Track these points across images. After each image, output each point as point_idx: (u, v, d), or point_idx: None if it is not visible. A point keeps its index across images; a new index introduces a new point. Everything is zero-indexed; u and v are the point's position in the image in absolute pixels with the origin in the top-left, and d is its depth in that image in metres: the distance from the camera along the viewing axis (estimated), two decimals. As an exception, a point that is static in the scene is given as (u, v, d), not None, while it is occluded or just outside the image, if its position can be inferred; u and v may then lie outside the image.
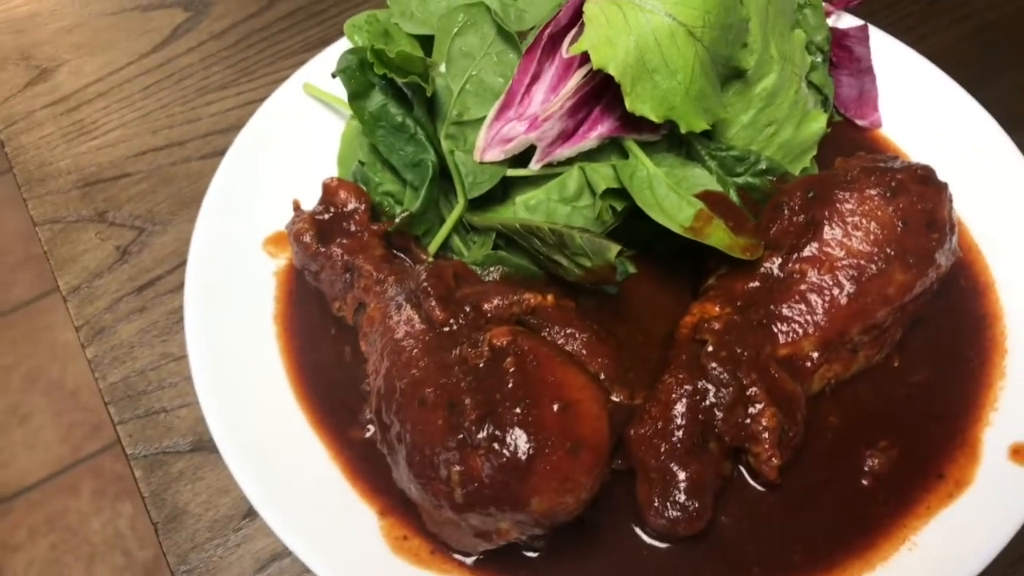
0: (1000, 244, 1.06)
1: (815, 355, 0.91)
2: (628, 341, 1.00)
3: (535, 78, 0.99)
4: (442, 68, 1.04)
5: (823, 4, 1.19)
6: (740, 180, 1.04)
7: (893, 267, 0.92)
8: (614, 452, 0.87)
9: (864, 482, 0.90)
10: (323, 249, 1.00)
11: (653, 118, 0.93)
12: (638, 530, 0.87)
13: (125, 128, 1.33)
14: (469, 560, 0.86)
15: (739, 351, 0.88)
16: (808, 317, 0.91)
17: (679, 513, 0.82)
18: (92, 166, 1.29)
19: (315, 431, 0.94)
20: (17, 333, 2.70)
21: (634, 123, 0.98)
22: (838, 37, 1.22)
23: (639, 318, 1.03)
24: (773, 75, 1.04)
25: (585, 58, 0.94)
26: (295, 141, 1.17)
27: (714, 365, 0.87)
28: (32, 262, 2.79)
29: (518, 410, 0.76)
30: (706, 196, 0.99)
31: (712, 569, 0.85)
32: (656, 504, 0.83)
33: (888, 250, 0.92)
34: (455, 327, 0.86)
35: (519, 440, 0.75)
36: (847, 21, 1.26)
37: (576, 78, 0.96)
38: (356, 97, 1.04)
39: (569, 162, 1.01)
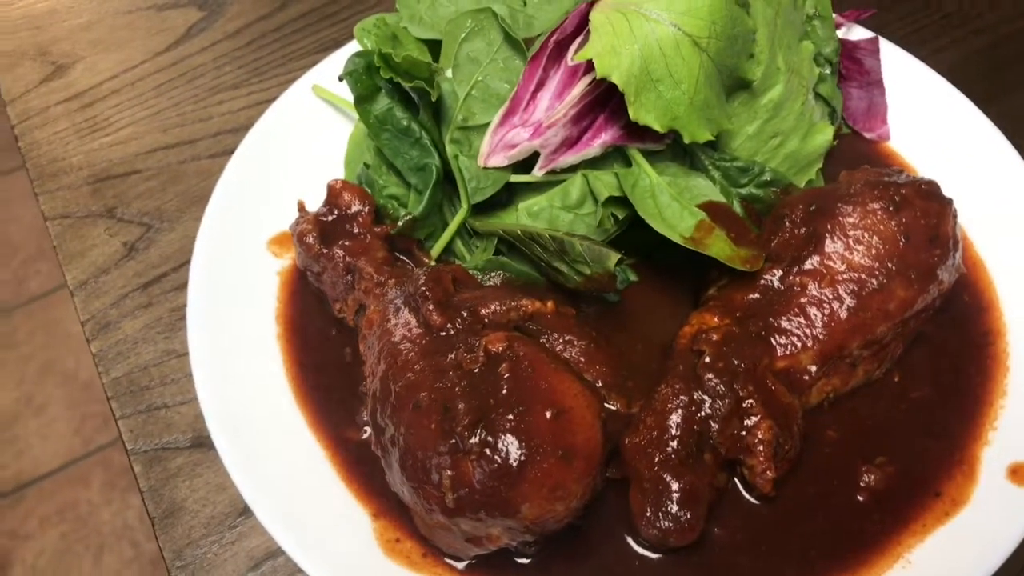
0: (1005, 261, 1.05)
1: (813, 369, 0.91)
2: (627, 349, 1.00)
3: (540, 85, 1.00)
4: (448, 73, 1.04)
5: (833, 16, 1.19)
6: (744, 191, 1.04)
7: (894, 282, 0.91)
8: (609, 460, 0.87)
9: (860, 498, 0.89)
10: (325, 250, 1.01)
11: (657, 128, 0.93)
12: (630, 540, 0.87)
13: (137, 125, 1.35)
14: (460, 564, 0.86)
15: (736, 363, 0.88)
16: (807, 330, 0.91)
17: (671, 524, 0.82)
18: (103, 162, 1.30)
19: (312, 431, 0.95)
20: (34, 324, 2.74)
21: (638, 132, 0.98)
22: (848, 49, 1.22)
23: (639, 326, 1.03)
24: (780, 86, 1.04)
25: (590, 66, 0.94)
26: (303, 142, 1.18)
27: (710, 376, 0.87)
28: (48, 255, 2.82)
29: (511, 416, 0.76)
30: (709, 206, 0.98)
31: (704, 581, 0.85)
32: (648, 514, 0.83)
33: (890, 265, 0.91)
34: (452, 331, 0.86)
35: (511, 446, 0.75)
36: (858, 33, 1.25)
37: (581, 86, 0.97)
38: (362, 100, 1.05)
39: (572, 169, 1.02)
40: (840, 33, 1.23)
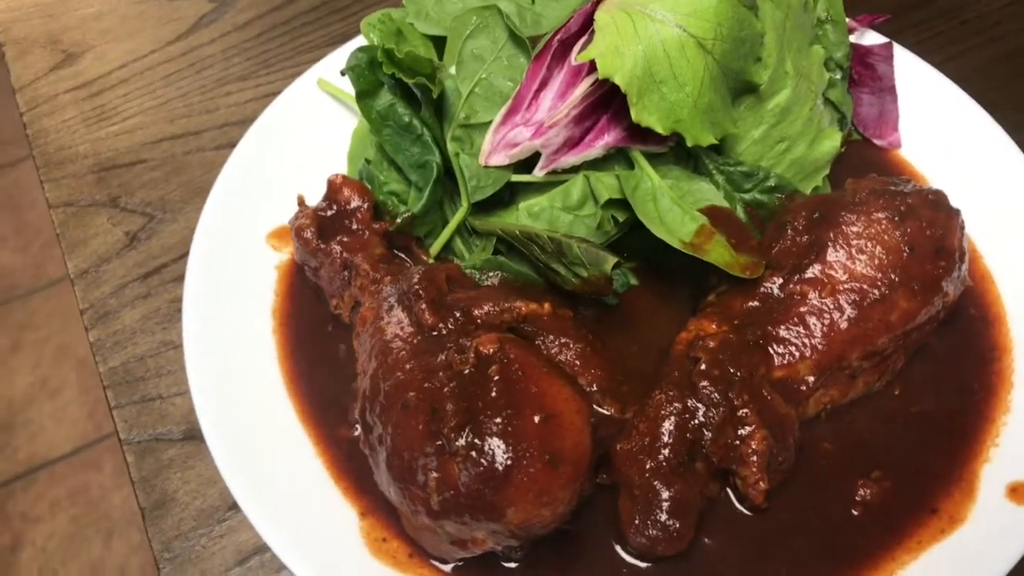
0: (1014, 275, 1.03)
1: (811, 379, 0.89)
2: (624, 354, 0.99)
3: (544, 84, 0.99)
4: (452, 70, 1.03)
5: (847, 20, 1.17)
6: (748, 196, 1.02)
7: (897, 293, 0.90)
8: (600, 466, 0.86)
9: (854, 512, 0.88)
10: (323, 245, 1.00)
11: (659, 130, 0.92)
12: (618, 547, 0.86)
13: (144, 115, 1.35)
14: (446, 567, 0.85)
15: (732, 371, 0.86)
16: (806, 340, 0.89)
17: (659, 532, 0.81)
18: (109, 151, 1.31)
19: (304, 427, 0.95)
20: (52, 308, 2.77)
21: (641, 134, 0.96)
22: (861, 54, 1.20)
23: (637, 331, 1.02)
24: (787, 91, 1.03)
25: (594, 66, 0.93)
26: (307, 136, 1.17)
27: (705, 384, 0.86)
28: (65, 241, 2.85)
29: (498, 419, 0.75)
30: (711, 211, 0.97)
31: (692, 591, 0.84)
32: (637, 521, 0.82)
33: (893, 276, 0.90)
34: (444, 331, 0.85)
35: (497, 449, 0.74)
36: (871, 38, 1.23)
37: (583, 86, 0.95)
38: (364, 95, 1.04)
39: (574, 170, 1.00)
40: (853, 38, 1.21)
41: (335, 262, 1.00)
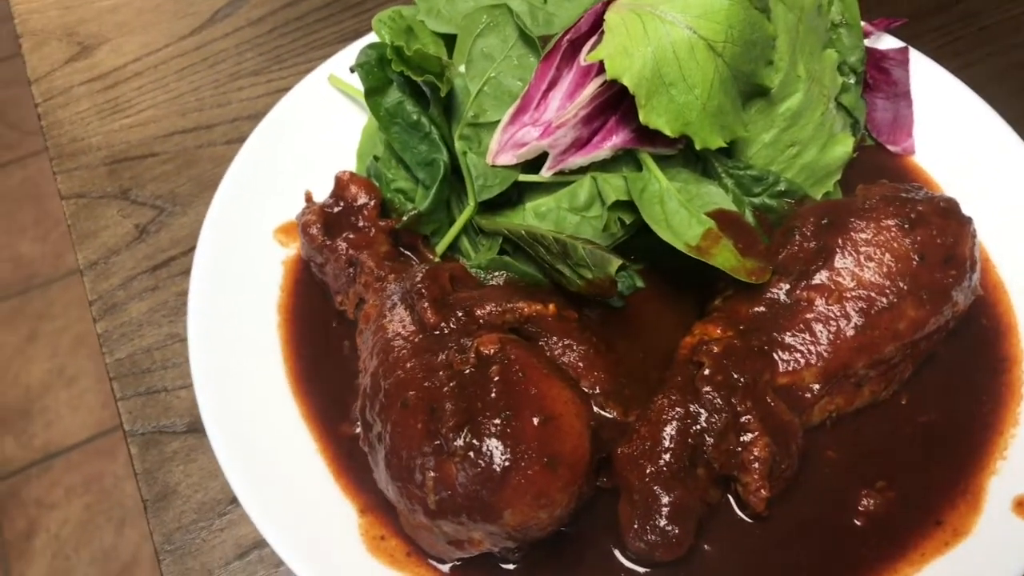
0: (1027, 285, 1.02)
1: (816, 387, 0.88)
2: (628, 357, 0.98)
3: (552, 84, 0.98)
4: (462, 68, 1.03)
5: (863, 24, 1.15)
6: (757, 200, 1.01)
7: (905, 302, 0.88)
8: (600, 469, 0.86)
9: (857, 522, 0.87)
10: (329, 242, 1.00)
11: (668, 132, 0.91)
12: (617, 551, 0.85)
13: (156, 108, 1.35)
14: (444, 567, 0.85)
15: (736, 376, 0.86)
16: (812, 347, 0.88)
17: (658, 538, 0.80)
18: (121, 144, 1.31)
19: (306, 423, 0.95)
20: (70, 297, 2.80)
21: (649, 136, 0.96)
22: (876, 58, 1.18)
23: (642, 334, 1.01)
24: (799, 95, 1.01)
25: (603, 67, 0.92)
26: (316, 132, 1.17)
27: (708, 389, 0.85)
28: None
29: (497, 420, 0.75)
30: (718, 215, 0.96)
31: (690, 598, 0.83)
32: (636, 526, 0.81)
33: (901, 284, 0.88)
34: (446, 331, 0.85)
35: (495, 451, 0.74)
36: (887, 42, 1.22)
37: (592, 86, 0.95)
38: (373, 92, 1.04)
39: (582, 171, 1.00)
40: (869, 42, 1.19)
41: (341, 258, 1.00)
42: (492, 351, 0.80)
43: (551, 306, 0.93)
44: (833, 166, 1.06)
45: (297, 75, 1.36)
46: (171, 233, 1.21)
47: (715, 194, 0.99)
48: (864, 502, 0.87)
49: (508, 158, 1.00)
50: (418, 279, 0.88)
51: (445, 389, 0.78)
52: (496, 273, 1.02)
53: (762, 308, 0.92)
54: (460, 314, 0.86)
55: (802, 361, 0.88)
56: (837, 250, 0.91)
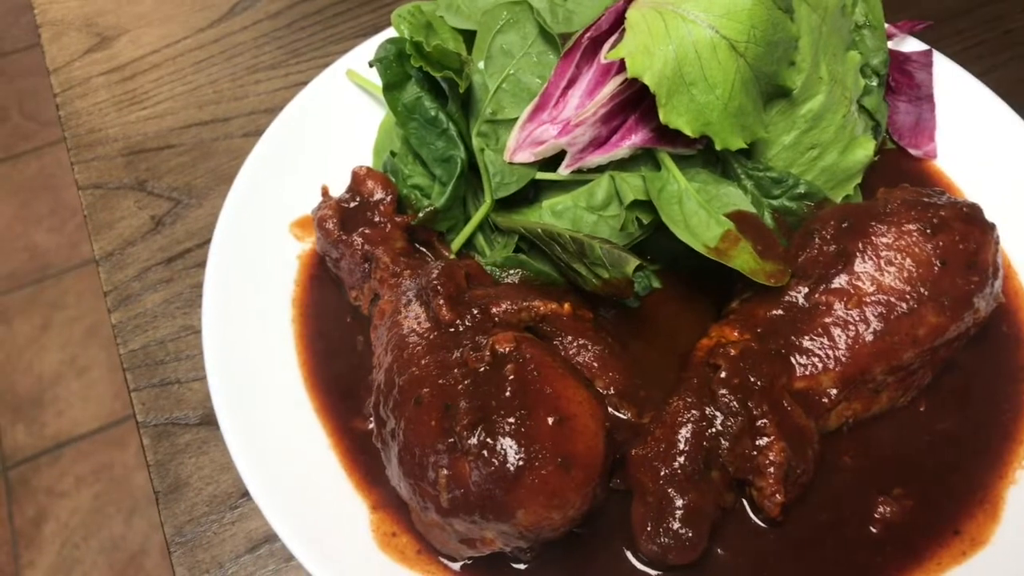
0: (1049, 293, 1.00)
1: (833, 392, 0.87)
2: (644, 358, 0.97)
3: (572, 82, 0.97)
4: (481, 65, 1.03)
5: (886, 26, 1.14)
6: (776, 203, 1.00)
7: (926, 308, 0.87)
8: (615, 470, 0.85)
9: (873, 529, 0.86)
10: (345, 237, 1.00)
11: (687, 132, 0.90)
12: (629, 554, 0.85)
13: (174, 100, 1.36)
14: (455, 565, 0.85)
15: (752, 380, 0.85)
16: (829, 351, 0.87)
17: (672, 541, 0.80)
18: (139, 135, 1.31)
19: (319, 417, 0.95)
20: (84, 287, 2.81)
21: (669, 136, 0.95)
22: (899, 61, 1.17)
23: (658, 335, 1.01)
24: (820, 96, 1.00)
25: (623, 65, 0.91)
26: (333, 127, 1.17)
27: (724, 392, 0.84)
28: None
29: (512, 419, 0.75)
30: (737, 216, 0.95)
31: (702, 602, 0.83)
32: (650, 529, 0.81)
33: (922, 289, 0.87)
34: (461, 328, 0.84)
35: (509, 450, 0.74)
36: (911, 45, 1.20)
37: (612, 85, 0.94)
38: (391, 88, 1.03)
39: (600, 169, 0.99)
40: (892, 44, 1.18)
41: (356, 254, 0.99)
42: (507, 349, 0.79)
43: (566, 305, 0.92)
44: (854, 169, 1.05)
45: (315, 69, 1.36)
46: (187, 225, 1.21)
47: (734, 195, 0.98)
48: (881, 509, 0.86)
49: (526, 156, 0.99)
50: (434, 276, 0.88)
51: (460, 387, 0.78)
52: (511, 271, 1.01)
53: (780, 311, 0.91)
54: (475, 312, 0.86)
55: (820, 365, 0.87)
56: (857, 254, 0.90)
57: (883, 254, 0.89)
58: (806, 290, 0.90)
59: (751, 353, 0.87)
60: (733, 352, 0.87)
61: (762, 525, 0.86)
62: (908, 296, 0.87)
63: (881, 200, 0.94)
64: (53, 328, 2.73)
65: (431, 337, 0.84)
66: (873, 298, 0.88)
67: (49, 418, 2.55)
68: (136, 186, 1.25)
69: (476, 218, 1.03)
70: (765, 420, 0.83)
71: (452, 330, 0.84)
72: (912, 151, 1.16)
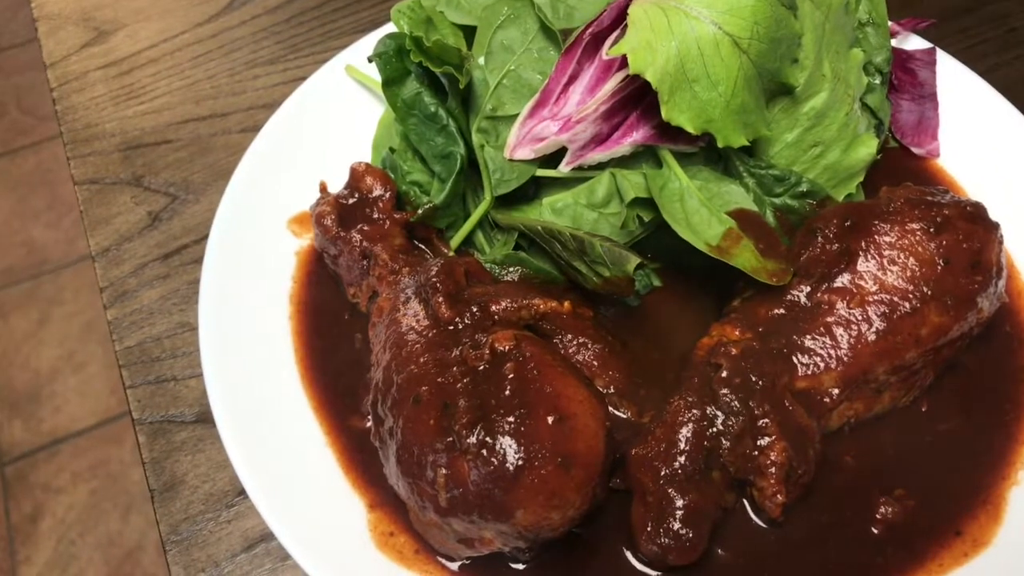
0: (1053, 293, 1.00)
1: (835, 391, 0.87)
2: (644, 357, 0.97)
3: (573, 78, 0.97)
4: (481, 60, 1.02)
5: (889, 24, 1.13)
6: (778, 201, 1.00)
7: (929, 307, 0.87)
8: (614, 470, 0.84)
9: (874, 530, 0.85)
10: (343, 233, 0.99)
11: (689, 129, 0.89)
12: (629, 554, 0.84)
13: (171, 95, 1.35)
14: (453, 565, 0.84)
15: (754, 379, 0.84)
16: (831, 351, 0.87)
17: (672, 541, 0.79)
18: (135, 130, 1.31)
19: (316, 415, 0.94)
20: (81, 283, 2.80)
21: (671, 133, 0.94)
22: (902, 59, 1.16)
23: (659, 334, 1.00)
24: (823, 94, 1.00)
25: (625, 61, 0.91)
26: (332, 122, 1.16)
27: (725, 391, 0.83)
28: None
29: (511, 418, 0.74)
30: (739, 214, 0.95)
31: (702, 603, 0.82)
32: (649, 529, 0.80)
33: (925, 289, 0.87)
34: (460, 326, 0.84)
35: (509, 449, 0.73)
36: (914, 43, 1.20)
37: (613, 81, 0.93)
38: (391, 83, 1.03)
39: (601, 167, 0.98)
40: (895, 42, 1.17)
41: (354, 250, 0.99)
42: (507, 348, 0.78)
43: (566, 303, 0.92)
44: (856, 167, 1.04)
45: (314, 64, 1.35)
46: (184, 221, 1.20)
47: (736, 193, 0.97)
48: (882, 510, 0.86)
49: (526, 152, 0.98)
50: (433, 273, 0.87)
51: (459, 385, 0.77)
52: (511, 269, 1.00)
53: (782, 310, 0.90)
54: (475, 309, 0.85)
55: (821, 365, 0.87)
56: (860, 253, 0.89)
57: (886, 253, 0.88)
58: (808, 289, 0.90)
59: (752, 352, 0.86)
60: (734, 351, 0.86)
61: (763, 525, 0.85)
62: (911, 295, 0.87)
63: (884, 199, 0.93)
64: (50, 324, 2.73)
65: (430, 335, 0.83)
66: (876, 297, 0.87)
67: (46, 414, 2.54)
68: (133, 181, 1.24)
69: (476, 215, 1.03)
70: (766, 420, 0.83)
71: (451, 328, 0.84)
72: (915, 149, 1.15)
